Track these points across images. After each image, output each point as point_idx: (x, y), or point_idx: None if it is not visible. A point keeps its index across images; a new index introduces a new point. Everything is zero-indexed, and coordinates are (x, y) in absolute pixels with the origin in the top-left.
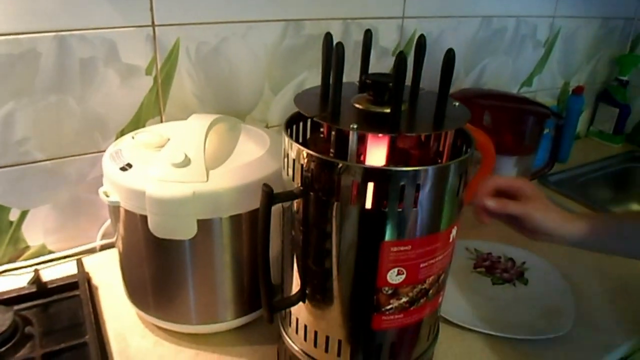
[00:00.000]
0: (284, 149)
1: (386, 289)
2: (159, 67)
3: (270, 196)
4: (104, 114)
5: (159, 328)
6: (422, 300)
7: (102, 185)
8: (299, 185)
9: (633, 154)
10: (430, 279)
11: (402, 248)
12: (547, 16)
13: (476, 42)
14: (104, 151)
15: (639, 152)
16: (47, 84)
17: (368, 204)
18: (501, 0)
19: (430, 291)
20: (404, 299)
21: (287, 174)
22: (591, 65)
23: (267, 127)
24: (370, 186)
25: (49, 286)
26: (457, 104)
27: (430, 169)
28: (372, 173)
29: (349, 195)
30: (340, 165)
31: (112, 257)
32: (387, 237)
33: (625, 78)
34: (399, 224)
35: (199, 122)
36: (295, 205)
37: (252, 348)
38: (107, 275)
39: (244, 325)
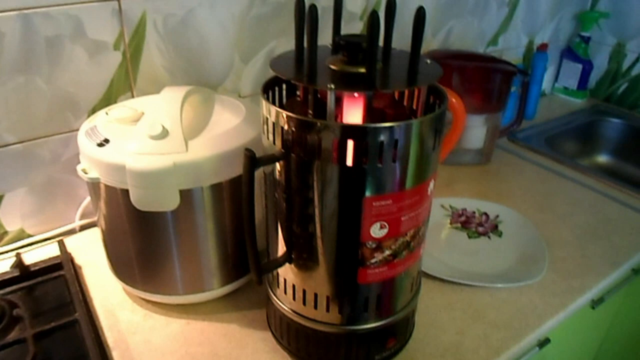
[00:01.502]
0: (263, 114)
1: (370, 243)
2: (126, 41)
3: (252, 160)
4: (74, 93)
5: (148, 301)
6: (404, 253)
7: (77, 164)
8: (280, 148)
9: (597, 108)
10: (412, 231)
11: (383, 203)
12: None
13: (441, 4)
14: (77, 130)
15: (603, 106)
16: (13, 64)
17: (348, 162)
18: None
19: (412, 243)
20: (387, 252)
21: (268, 139)
22: (554, 22)
23: (239, 97)
24: (350, 144)
25: (32, 269)
26: (429, 61)
27: (407, 124)
28: (351, 131)
29: (330, 154)
30: (320, 124)
31: (92, 237)
32: (369, 193)
33: (587, 34)
34: (379, 179)
35: (173, 94)
36: (277, 168)
37: (241, 314)
38: (89, 254)
39: (232, 293)
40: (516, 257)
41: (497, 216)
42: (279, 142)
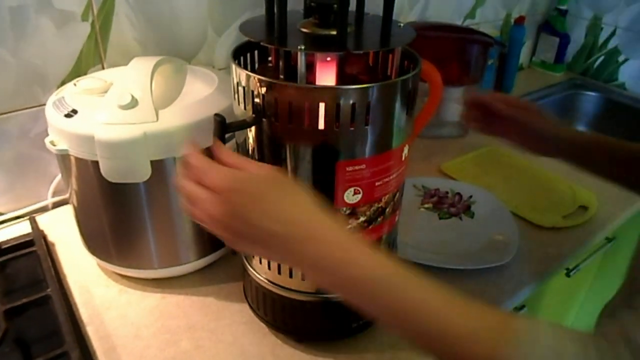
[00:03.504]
0: (234, 80)
1: (344, 209)
2: (95, 12)
3: (223, 125)
4: (41, 66)
5: (122, 276)
6: (379, 219)
7: (44, 139)
8: (251, 113)
9: (574, 82)
10: (386, 197)
11: (356, 167)
12: None
13: None
14: (45, 105)
15: (580, 79)
16: None
17: (320, 125)
18: None
19: (387, 210)
20: (362, 219)
21: (239, 105)
22: None
23: (213, 67)
24: (322, 107)
25: (3, 247)
26: (401, 24)
27: (379, 85)
28: (323, 93)
29: (301, 118)
30: (290, 86)
31: (65, 214)
32: (342, 157)
33: (564, 7)
34: (352, 143)
35: (142, 64)
36: (249, 138)
37: (217, 287)
38: (62, 231)
39: (208, 266)
40: (486, 239)
41: (471, 197)
42: (250, 108)
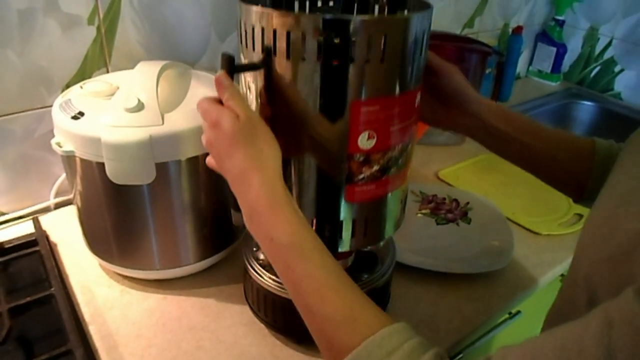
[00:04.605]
0: (240, 22)
1: (358, 155)
2: (101, 16)
3: (231, 62)
4: (47, 68)
5: (124, 277)
6: (392, 170)
7: (51, 141)
8: (261, 53)
9: (570, 91)
10: (399, 146)
11: (371, 108)
12: None
13: None
14: (51, 106)
15: (576, 89)
16: None
17: (334, 60)
18: None
19: (400, 160)
20: (375, 167)
21: (246, 48)
22: (529, 5)
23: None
24: (336, 41)
25: (6, 246)
26: None
27: (396, 19)
28: (337, 24)
29: (314, 53)
30: (304, 18)
31: (68, 215)
32: (355, 96)
33: (561, 18)
34: (366, 80)
35: (148, 68)
36: (258, 83)
37: (218, 288)
38: (65, 232)
39: (209, 268)
40: (483, 244)
41: (468, 203)
42: (259, 48)
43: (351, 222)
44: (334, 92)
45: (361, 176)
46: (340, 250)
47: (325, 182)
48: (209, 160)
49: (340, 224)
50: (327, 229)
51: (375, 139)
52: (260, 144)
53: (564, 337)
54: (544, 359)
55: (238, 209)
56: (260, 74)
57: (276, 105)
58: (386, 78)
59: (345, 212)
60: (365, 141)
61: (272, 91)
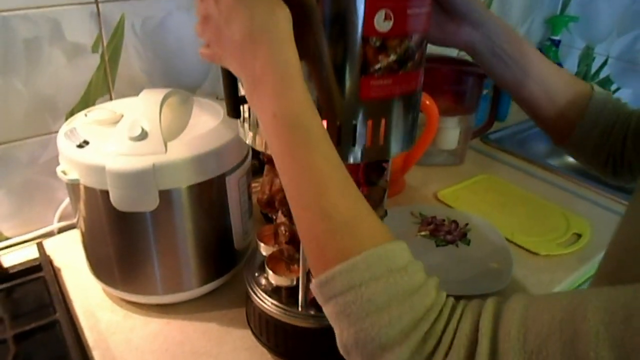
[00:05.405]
0: None
1: (374, 39)
2: (105, 44)
3: None
4: (52, 95)
5: (127, 302)
6: (409, 65)
7: (55, 167)
8: None
9: None
10: (416, 37)
11: None
12: None
13: None
14: (55, 132)
15: None
16: None
17: None
18: None
19: (416, 55)
20: (392, 57)
21: None
22: (525, 26)
23: (217, 99)
24: None
25: (11, 271)
26: None
27: None
28: None
29: None
30: None
31: (71, 239)
32: None
33: (557, 38)
34: None
35: (151, 96)
36: None
37: (220, 313)
38: (68, 256)
39: (211, 292)
40: (482, 267)
41: (467, 224)
42: None
43: (365, 125)
44: None
45: (377, 66)
46: (350, 161)
47: (339, 72)
48: (202, 49)
49: (354, 127)
50: (343, 133)
51: (392, 21)
52: (268, 2)
53: (608, 299)
54: (582, 321)
55: (234, 115)
56: None
57: None
58: None
59: (361, 110)
60: (381, 22)
61: None
